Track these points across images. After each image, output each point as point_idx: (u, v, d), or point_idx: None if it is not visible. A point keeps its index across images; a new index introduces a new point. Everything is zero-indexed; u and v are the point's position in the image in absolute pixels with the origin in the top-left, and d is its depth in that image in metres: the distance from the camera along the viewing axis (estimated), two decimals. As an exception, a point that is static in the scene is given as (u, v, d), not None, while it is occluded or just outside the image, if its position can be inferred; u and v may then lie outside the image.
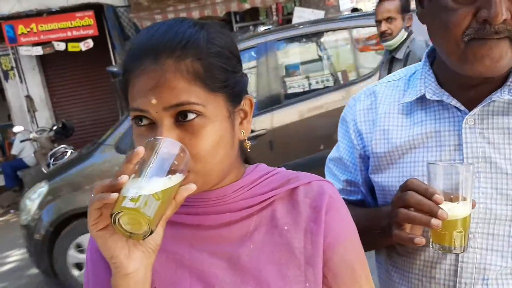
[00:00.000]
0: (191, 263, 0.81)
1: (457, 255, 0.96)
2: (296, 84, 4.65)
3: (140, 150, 0.67)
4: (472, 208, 0.87)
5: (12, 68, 9.67)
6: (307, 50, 4.99)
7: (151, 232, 0.66)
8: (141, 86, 0.73)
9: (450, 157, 0.96)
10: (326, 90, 4.42)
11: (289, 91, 4.54)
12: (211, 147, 0.75)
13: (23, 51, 9.24)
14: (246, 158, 0.91)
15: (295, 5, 9.23)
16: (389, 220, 0.93)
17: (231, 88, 0.78)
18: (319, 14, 8.22)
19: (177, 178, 0.69)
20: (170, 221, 0.72)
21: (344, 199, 0.96)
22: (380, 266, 1.15)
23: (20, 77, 9.68)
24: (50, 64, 9.90)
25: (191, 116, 0.73)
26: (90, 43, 9.11)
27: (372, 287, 0.85)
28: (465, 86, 0.95)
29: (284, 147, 3.91)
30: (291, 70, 4.77)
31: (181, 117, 0.73)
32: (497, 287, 0.95)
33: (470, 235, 0.91)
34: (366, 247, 1.03)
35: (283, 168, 0.90)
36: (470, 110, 0.95)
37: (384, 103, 1.07)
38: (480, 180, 0.94)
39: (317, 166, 4.14)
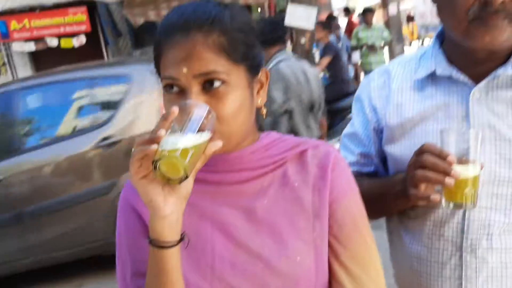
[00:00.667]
0: (212, 214, 0.91)
1: (464, 214, 1.06)
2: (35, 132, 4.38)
3: (175, 109, 0.75)
4: (481, 169, 0.96)
5: (4, 64, 9.65)
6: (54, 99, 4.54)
7: (186, 177, 0.75)
8: (174, 56, 0.83)
9: (458, 126, 1.06)
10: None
11: (28, 140, 4.34)
12: (234, 111, 0.84)
13: (16, 47, 9.22)
14: (260, 126, 1.00)
15: (287, 2, 9.27)
16: (404, 184, 1.02)
17: (251, 60, 0.88)
18: (312, 10, 8.28)
19: (206, 135, 0.78)
20: (194, 178, 0.81)
21: (358, 171, 1.03)
22: (392, 232, 1.24)
23: (11, 73, 9.65)
24: (42, 60, 9.87)
25: (217, 83, 0.83)
26: (82, 39, 9.11)
27: (371, 236, 0.94)
28: (472, 62, 1.05)
29: (21, 193, 3.97)
30: (33, 118, 4.45)
31: (208, 85, 0.83)
32: (500, 241, 1.05)
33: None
34: (380, 213, 1.10)
35: (292, 135, 1.01)
36: (477, 84, 1.05)
37: (397, 80, 1.17)
38: (485, 146, 1.03)
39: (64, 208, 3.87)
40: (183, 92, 0.84)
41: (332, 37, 8.85)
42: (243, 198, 0.92)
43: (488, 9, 0.94)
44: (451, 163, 0.93)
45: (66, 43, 9.06)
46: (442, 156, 0.94)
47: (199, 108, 0.79)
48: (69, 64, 9.81)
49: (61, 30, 9.00)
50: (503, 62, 1.04)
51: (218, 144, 0.79)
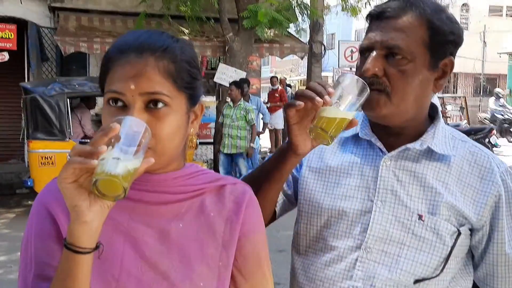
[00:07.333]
0: (128, 230, 0.95)
1: (354, 264, 1.17)
2: None
3: (117, 126, 0.79)
4: (352, 126, 1.06)
5: None
6: None
7: (124, 196, 0.78)
8: (123, 73, 0.90)
9: (367, 184, 1.20)
10: None
11: None
12: (171, 132, 0.92)
13: None
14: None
15: (219, 61, 9.63)
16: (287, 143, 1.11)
17: (192, 90, 0.97)
18: (241, 74, 8.66)
19: (142, 153, 0.82)
20: None
21: None
22: (292, 273, 1.32)
23: None
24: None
25: (160, 104, 0.90)
26: (5, 56, 8.79)
27: (270, 273, 1.05)
28: (387, 134, 1.20)
29: None
30: None
31: (152, 104, 0.90)
32: None
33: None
34: (276, 181, 1.17)
35: (212, 170, 1.08)
36: (389, 152, 1.20)
37: None
38: (385, 207, 1.17)
39: None
40: (125, 108, 0.89)
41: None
42: (159, 219, 0.97)
43: (365, 80, 1.05)
44: (330, 92, 1.00)
45: (-14, 56, 8.69)
46: (325, 86, 1.01)
47: (139, 125, 0.83)
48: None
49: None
50: (414, 139, 1.18)
51: (150, 161, 0.83)
